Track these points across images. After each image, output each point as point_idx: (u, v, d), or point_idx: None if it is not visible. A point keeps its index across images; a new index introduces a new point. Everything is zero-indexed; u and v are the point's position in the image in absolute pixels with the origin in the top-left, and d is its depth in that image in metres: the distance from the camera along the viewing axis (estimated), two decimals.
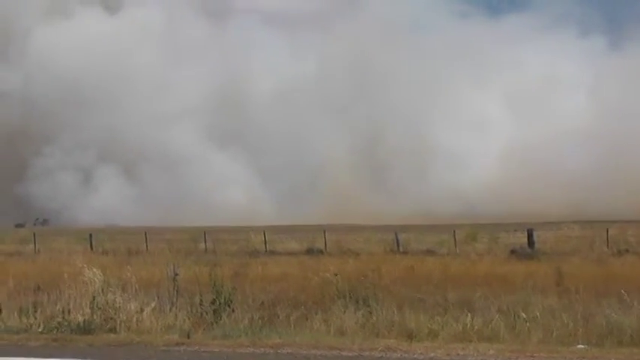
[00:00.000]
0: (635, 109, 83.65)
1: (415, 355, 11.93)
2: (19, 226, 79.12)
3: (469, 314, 14.09)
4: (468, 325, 13.60)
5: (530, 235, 39.23)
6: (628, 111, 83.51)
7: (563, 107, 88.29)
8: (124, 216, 79.45)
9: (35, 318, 14.79)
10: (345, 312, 14.42)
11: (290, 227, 56.68)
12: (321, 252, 37.00)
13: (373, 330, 13.74)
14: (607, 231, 39.49)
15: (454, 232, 41.11)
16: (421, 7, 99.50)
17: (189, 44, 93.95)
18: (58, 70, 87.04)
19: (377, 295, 15.21)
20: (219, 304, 14.64)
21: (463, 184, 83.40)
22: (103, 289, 14.90)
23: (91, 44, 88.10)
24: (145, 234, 44.28)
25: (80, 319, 14.34)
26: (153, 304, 14.85)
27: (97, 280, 15.06)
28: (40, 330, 14.35)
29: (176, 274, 15.67)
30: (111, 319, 14.41)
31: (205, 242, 42.56)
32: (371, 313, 14.41)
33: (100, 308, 14.53)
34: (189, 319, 14.45)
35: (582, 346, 12.65)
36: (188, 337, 13.47)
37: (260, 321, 14.34)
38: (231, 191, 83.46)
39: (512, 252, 34.33)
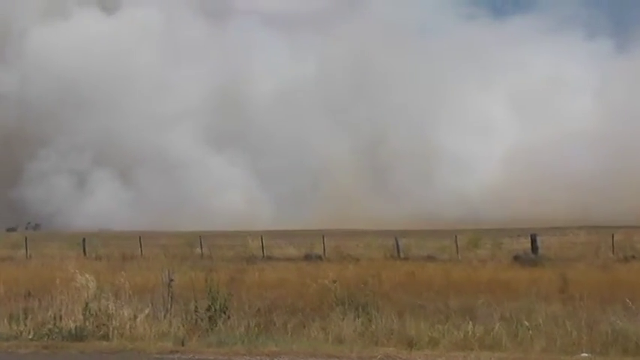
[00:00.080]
0: None
1: None
2: (10, 230, 78.45)
3: (471, 322, 13.96)
4: (470, 333, 13.47)
5: (533, 241, 38.87)
6: (634, 114, 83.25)
7: (569, 110, 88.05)
8: (118, 220, 78.66)
9: (25, 325, 14.62)
10: (343, 319, 14.29)
11: (288, 232, 56.39)
12: (319, 258, 36.72)
13: (372, 338, 13.62)
14: (612, 237, 39.25)
15: (456, 237, 40.75)
16: (425, 9, 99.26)
17: (188, 45, 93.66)
18: (55, 71, 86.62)
19: (376, 302, 15.05)
20: (215, 310, 14.47)
21: (466, 188, 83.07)
22: (95, 295, 14.70)
23: (88, 45, 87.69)
24: (140, 239, 43.78)
25: (72, 325, 14.18)
26: (147, 311, 14.66)
27: (89, 286, 14.82)
28: (30, 337, 14.20)
29: (171, 280, 15.40)
30: (103, 325, 14.26)
31: (201, 247, 42.17)
32: (370, 320, 14.29)
33: (93, 315, 14.36)
34: (183, 325, 14.29)
35: (586, 355, 12.52)
36: (182, 345, 13.34)
37: (256, 328, 14.19)
38: (229, 195, 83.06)
39: (516, 258, 34.02)
